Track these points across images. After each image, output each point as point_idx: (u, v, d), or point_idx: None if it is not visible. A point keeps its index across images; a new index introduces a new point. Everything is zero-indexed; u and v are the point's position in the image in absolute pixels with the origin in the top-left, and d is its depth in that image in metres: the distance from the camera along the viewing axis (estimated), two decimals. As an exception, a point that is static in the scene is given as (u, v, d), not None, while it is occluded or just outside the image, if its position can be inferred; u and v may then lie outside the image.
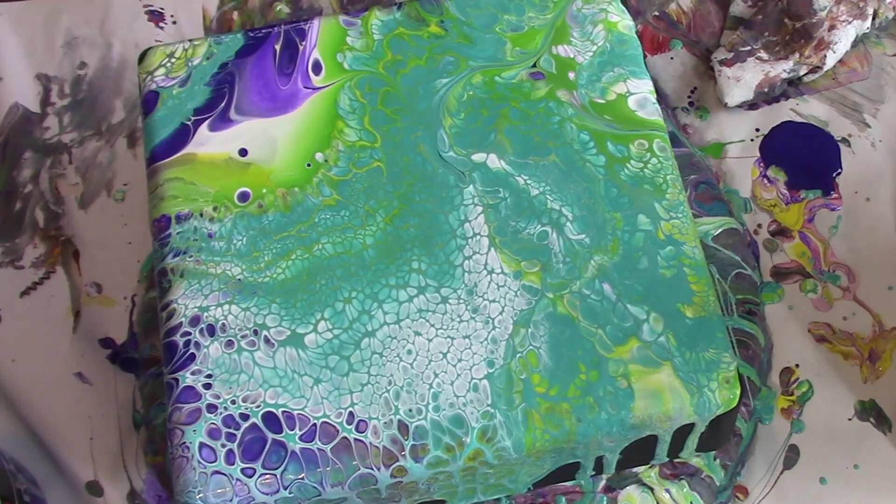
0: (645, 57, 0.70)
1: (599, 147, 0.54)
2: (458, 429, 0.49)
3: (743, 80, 0.68)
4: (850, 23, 0.68)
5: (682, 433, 0.51)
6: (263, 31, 0.58)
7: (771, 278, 0.66)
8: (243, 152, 0.55)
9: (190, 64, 0.58)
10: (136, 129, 0.71)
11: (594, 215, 0.53)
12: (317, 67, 0.57)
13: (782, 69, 0.68)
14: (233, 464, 0.48)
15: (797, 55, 0.68)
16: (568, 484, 0.58)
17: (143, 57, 0.58)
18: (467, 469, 0.49)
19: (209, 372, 0.50)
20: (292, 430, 0.49)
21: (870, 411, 0.62)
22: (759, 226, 0.67)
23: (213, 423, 0.49)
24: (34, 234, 0.69)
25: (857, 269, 0.65)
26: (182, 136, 0.56)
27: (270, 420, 0.49)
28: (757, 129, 0.70)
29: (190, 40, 0.58)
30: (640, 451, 0.52)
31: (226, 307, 0.52)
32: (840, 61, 0.70)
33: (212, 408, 0.49)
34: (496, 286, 0.51)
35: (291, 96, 0.56)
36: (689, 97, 0.71)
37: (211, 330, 0.51)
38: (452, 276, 0.52)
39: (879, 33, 0.72)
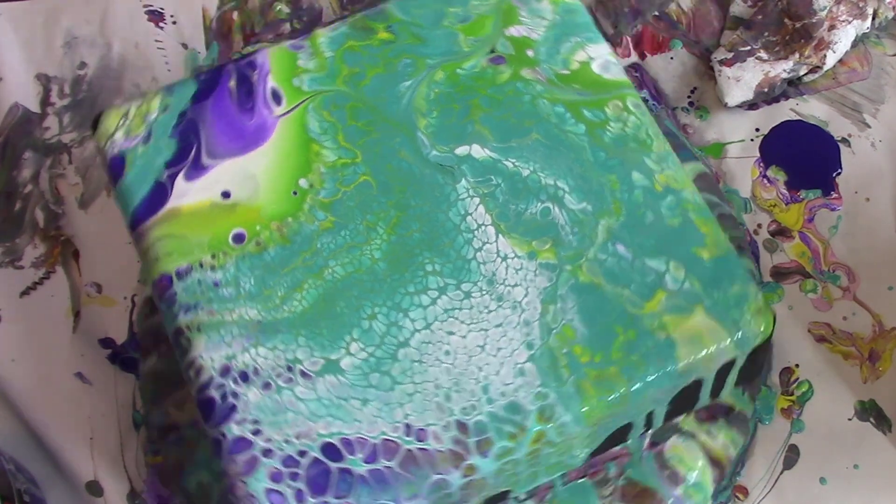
0: (645, 57, 0.71)
1: (576, 116, 0.55)
2: (516, 415, 0.49)
3: (743, 80, 0.69)
4: (850, 23, 0.69)
5: (724, 371, 0.52)
6: (212, 72, 0.57)
7: (771, 278, 0.66)
8: (226, 195, 0.54)
9: (147, 119, 0.56)
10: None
11: (589, 182, 0.53)
12: (276, 96, 0.56)
13: (782, 69, 0.69)
14: (303, 501, 0.48)
15: (797, 55, 0.69)
16: (615, 449, 0.58)
17: (96, 123, 0.57)
18: (532, 452, 0.49)
19: (255, 417, 0.49)
20: (353, 455, 0.48)
21: (870, 411, 0.63)
22: (759, 226, 0.67)
23: (273, 467, 0.48)
24: (34, 234, 0.69)
25: (857, 269, 0.66)
26: (160, 193, 0.54)
27: (329, 450, 0.49)
28: (757, 129, 0.70)
29: (141, 95, 0.57)
30: (685, 398, 0.52)
31: (252, 351, 0.51)
32: (840, 61, 0.71)
33: (267, 452, 0.49)
34: (514, 270, 0.52)
35: (259, 129, 0.56)
36: (689, 97, 0.71)
37: (244, 376, 0.50)
38: (469, 271, 0.52)
39: (879, 33, 0.72)
